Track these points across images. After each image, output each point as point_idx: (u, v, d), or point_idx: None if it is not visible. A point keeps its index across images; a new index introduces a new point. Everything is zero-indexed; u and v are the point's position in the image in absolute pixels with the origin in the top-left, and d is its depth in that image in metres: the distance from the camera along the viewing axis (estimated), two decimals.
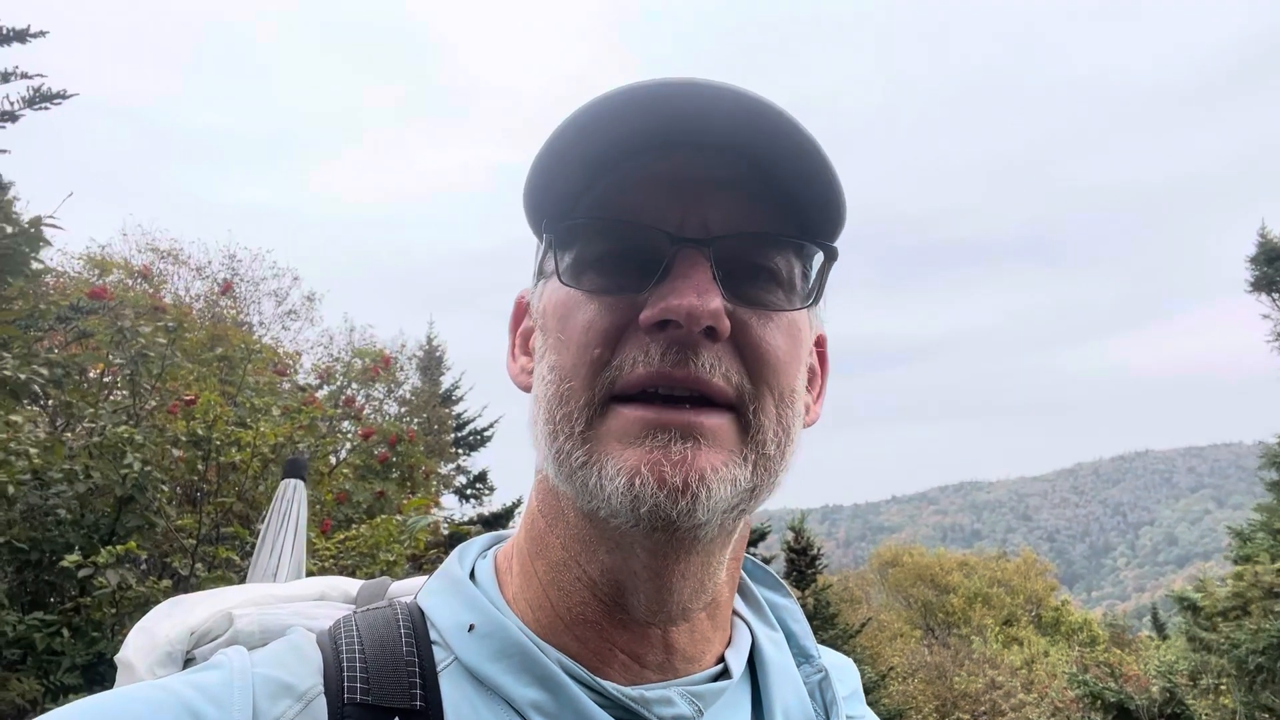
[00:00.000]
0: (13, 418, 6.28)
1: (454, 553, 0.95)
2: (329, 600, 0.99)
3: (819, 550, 23.55)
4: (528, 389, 0.89)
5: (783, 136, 0.79)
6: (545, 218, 0.86)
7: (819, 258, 0.85)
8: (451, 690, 0.80)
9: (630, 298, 0.79)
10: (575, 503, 0.81)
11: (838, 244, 0.86)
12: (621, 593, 0.83)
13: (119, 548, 5.81)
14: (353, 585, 1.02)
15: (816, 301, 0.87)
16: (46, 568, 6.41)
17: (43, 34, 8.82)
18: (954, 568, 45.68)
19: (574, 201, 0.84)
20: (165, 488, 7.09)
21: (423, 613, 0.87)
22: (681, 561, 0.81)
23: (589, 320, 0.80)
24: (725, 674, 0.89)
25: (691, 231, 0.79)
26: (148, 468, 6.61)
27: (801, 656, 0.98)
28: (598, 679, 0.81)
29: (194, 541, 7.19)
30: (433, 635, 0.85)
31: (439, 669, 0.81)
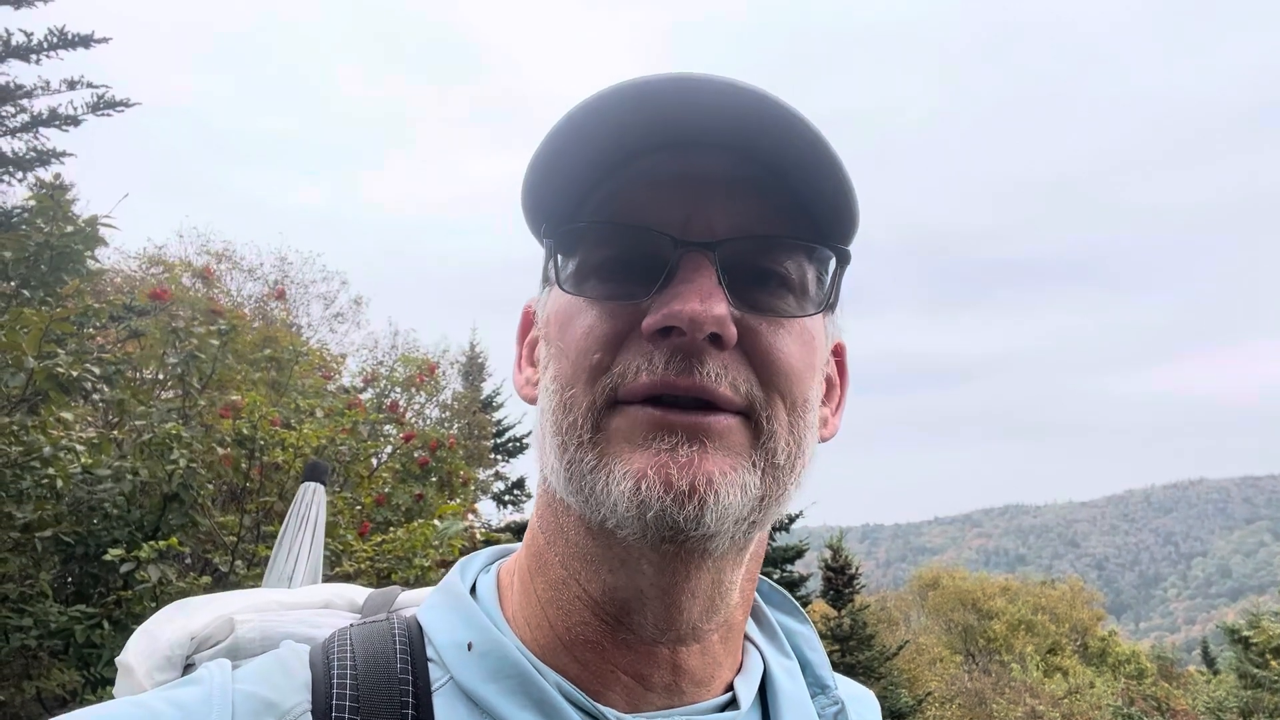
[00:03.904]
0: (64, 414, 6.44)
1: (456, 566, 0.92)
2: (334, 609, 0.96)
3: (857, 569, 23.25)
4: (533, 401, 0.86)
5: (790, 133, 0.75)
6: (545, 222, 0.83)
7: (832, 262, 0.81)
8: (445, 712, 0.77)
9: (633, 304, 0.76)
10: (581, 515, 0.78)
11: (851, 247, 0.83)
12: (626, 611, 0.79)
13: (161, 543, 5.91)
14: (360, 594, 1.00)
15: (831, 308, 0.84)
16: (91, 561, 6.56)
17: (106, 40, 9.10)
18: (997, 593, 44.84)
19: (575, 205, 0.81)
20: (210, 486, 7.21)
21: (421, 628, 0.85)
22: (691, 578, 0.78)
23: (589, 326, 0.77)
24: (733, 703, 0.84)
25: (697, 234, 0.76)
26: (193, 465, 6.73)
27: (817, 687, 0.94)
28: (597, 705, 0.78)
29: (235, 539, 7.31)
30: (429, 653, 0.82)
31: (434, 689, 0.78)
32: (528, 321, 0.94)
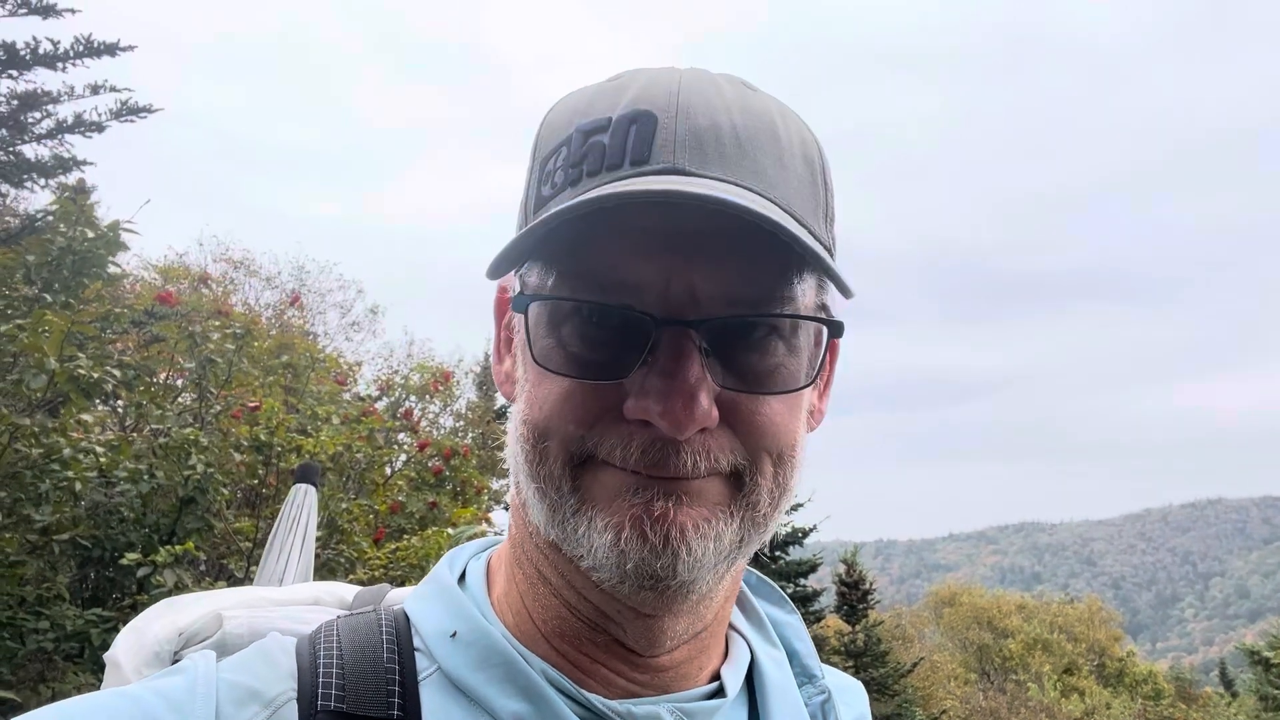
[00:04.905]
0: (84, 417, 6.49)
1: (445, 556, 0.93)
2: (323, 605, 0.96)
3: (871, 585, 23.09)
4: (511, 399, 0.84)
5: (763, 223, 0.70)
6: (512, 271, 0.80)
7: (824, 333, 0.78)
8: (432, 700, 0.77)
9: (612, 384, 0.74)
10: (555, 541, 0.78)
11: (847, 290, 0.78)
12: (604, 620, 0.80)
13: (177, 547, 5.93)
14: (349, 591, 0.99)
15: (821, 374, 0.81)
16: (108, 564, 6.59)
17: (132, 48, 9.21)
18: (1013, 611, 44.49)
19: (543, 258, 0.76)
20: (225, 490, 7.24)
21: (408, 619, 0.85)
22: (673, 607, 0.78)
23: (565, 392, 0.74)
24: (720, 692, 0.85)
25: (677, 301, 0.72)
26: (210, 470, 6.76)
27: (804, 676, 0.94)
28: (583, 691, 0.78)
29: (250, 545, 7.32)
30: (416, 642, 0.82)
31: (420, 678, 0.79)
32: (503, 304, 0.89)
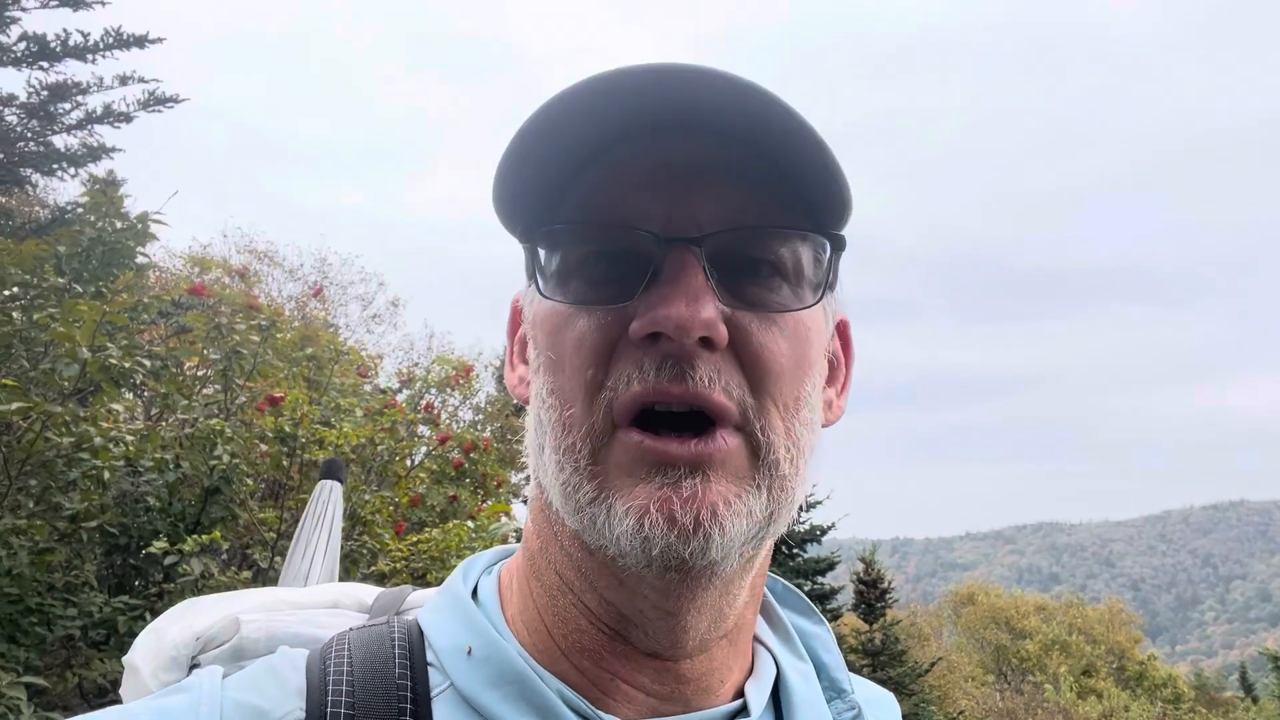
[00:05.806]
0: (113, 406, 6.55)
1: (459, 567, 0.91)
2: (342, 609, 0.95)
3: (890, 584, 23.03)
4: (525, 401, 0.84)
5: (769, 116, 0.72)
6: (521, 223, 0.80)
7: (826, 248, 0.78)
8: (444, 717, 0.76)
9: (619, 308, 0.73)
10: (577, 533, 0.76)
11: (844, 231, 0.80)
12: (625, 626, 0.78)
13: (204, 537, 5.99)
14: (369, 593, 0.98)
15: (830, 288, 0.81)
16: (134, 553, 6.66)
17: (160, 40, 9.27)
18: (1031, 611, 44.21)
19: (552, 201, 0.77)
20: (250, 481, 7.30)
21: (422, 632, 0.83)
22: (698, 598, 0.76)
23: (578, 337, 0.74)
24: (744, 709, 0.82)
25: (680, 228, 0.73)
26: (235, 460, 6.81)
27: (833, 690, 0.91)
28: (600, 712, 0.76)
29: (274, 535, 7.38)
30: (430, 657, 0.80)
31: (433, 694, 0.77)
32: (516, 316, 0.90)
